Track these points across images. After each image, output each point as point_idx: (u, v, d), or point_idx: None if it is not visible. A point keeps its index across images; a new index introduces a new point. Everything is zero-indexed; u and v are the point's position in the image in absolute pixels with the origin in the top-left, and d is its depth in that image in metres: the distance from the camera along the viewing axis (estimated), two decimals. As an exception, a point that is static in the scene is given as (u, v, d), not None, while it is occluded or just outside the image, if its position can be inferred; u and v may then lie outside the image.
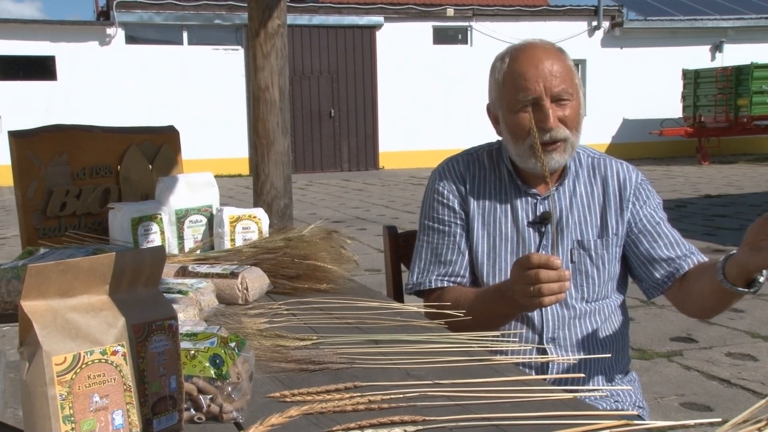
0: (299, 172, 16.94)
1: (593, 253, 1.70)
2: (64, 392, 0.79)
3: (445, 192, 1.77)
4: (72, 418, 0.80)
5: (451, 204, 1.76)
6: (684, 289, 1.66)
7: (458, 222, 1.75)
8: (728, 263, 1.46)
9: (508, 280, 1.58)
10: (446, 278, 1.75)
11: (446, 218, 1.76)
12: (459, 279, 1.75)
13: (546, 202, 1.71)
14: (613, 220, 1.72)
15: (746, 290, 1.46)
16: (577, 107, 1.64)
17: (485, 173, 1.76)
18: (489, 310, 1.60)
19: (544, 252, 1.68)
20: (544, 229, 1.70)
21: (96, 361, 0.83)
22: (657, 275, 1.69)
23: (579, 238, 1.70)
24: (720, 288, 1.48)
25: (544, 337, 1.67)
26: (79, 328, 0.82)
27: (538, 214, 1.71)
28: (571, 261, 1.68)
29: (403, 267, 2.15)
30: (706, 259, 1.70)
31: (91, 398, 0.82)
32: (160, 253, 0.94)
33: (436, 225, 1.77)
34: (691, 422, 0.92)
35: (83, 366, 0.81)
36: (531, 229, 1.71)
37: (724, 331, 4.52)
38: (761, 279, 1.45)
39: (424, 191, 1.85)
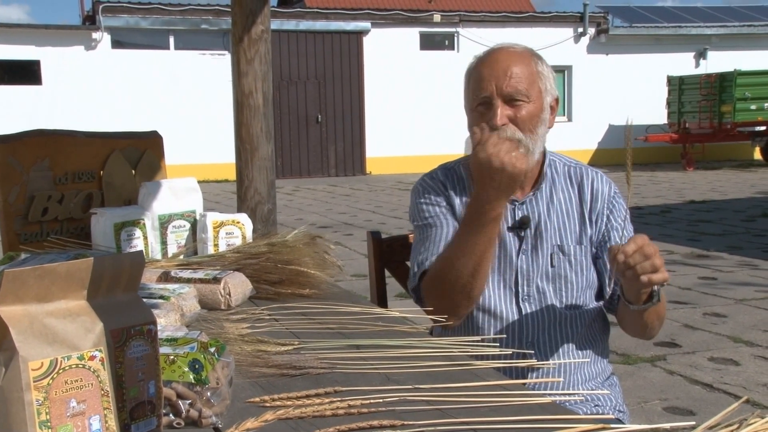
0: (286, 178, 16.91)
1: (572, 259, 1.71)
2: (41, 398, 0.79)
3: (430, 196, 1.78)
4: (48, 424, 0.80)
5: (436, 203, 1.76)
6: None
7: (448, 216, 1.74)
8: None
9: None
10: None
11: (434, 213, 1.76)
12: None
13: (524, 206, 1.72)
14: (588, 228, 1.73)
15: (644, 305, 1.55)
16: (535, 111, 1.64)
17: (463, 184, 1.78)
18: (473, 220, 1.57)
19: (524, 256, 1.70)
20: (523, 233, 1.71)
21: (73, 366, 0.82)
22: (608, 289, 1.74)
23: (559, 243, 1.71)
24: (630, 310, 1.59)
25: (524, 340, 1.68)
26: (56, 333, 0.82)
27: (516, 219, 1.71)
28: (551, 266, 1.69)
29: (387, 273, 2.15)
30: None
31: (68, 404, 0.81)
32: (138, 258, 0.94)
33: (427, 220, 1.76)
34: (667, 425, 0.93)
35: (60, 371, 0.81)
36: (511, 234, 1.71)
37: (707, 336, 4.55)
38: (657, 294, 1.55)
39: (409, 208, 1.85)
